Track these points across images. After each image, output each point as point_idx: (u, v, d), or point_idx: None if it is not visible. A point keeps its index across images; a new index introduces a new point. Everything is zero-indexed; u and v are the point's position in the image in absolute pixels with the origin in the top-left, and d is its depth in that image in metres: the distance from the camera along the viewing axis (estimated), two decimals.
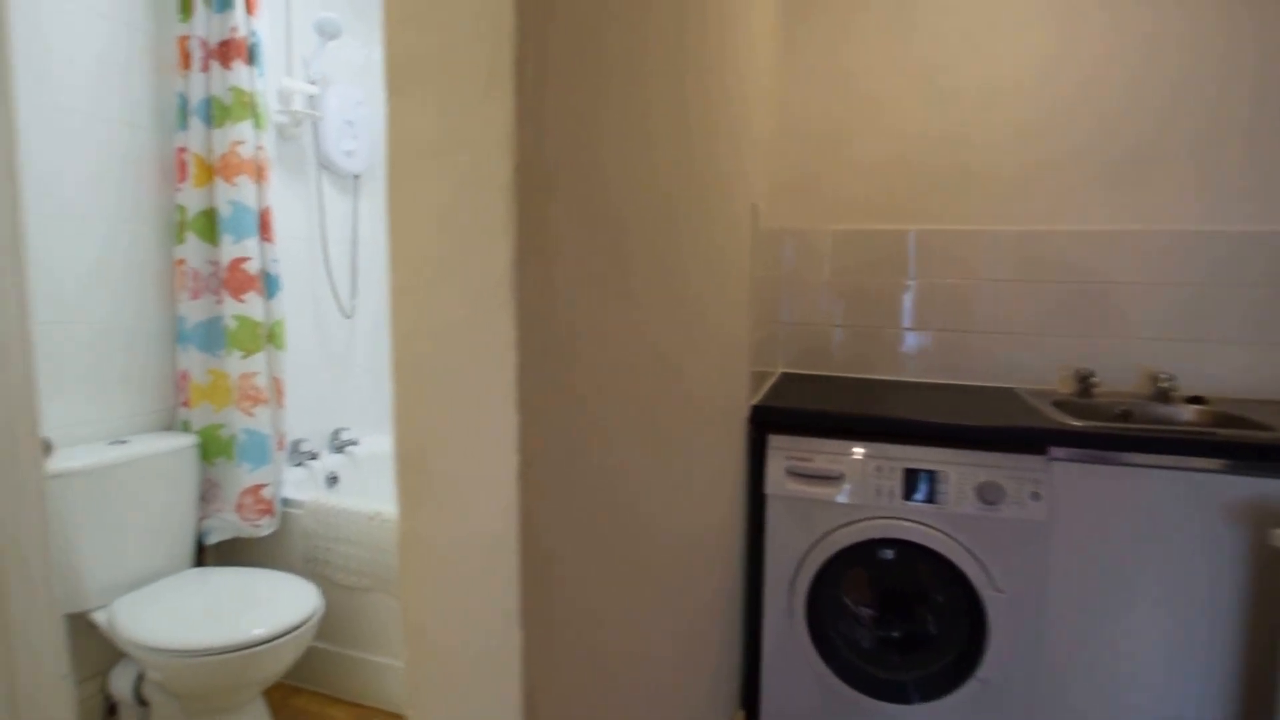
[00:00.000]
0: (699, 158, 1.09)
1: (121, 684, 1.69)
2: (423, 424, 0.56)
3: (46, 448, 1.23)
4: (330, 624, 1.95)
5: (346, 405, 2.68)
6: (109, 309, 1.81)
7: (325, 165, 2.44)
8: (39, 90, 1.64)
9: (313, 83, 2.33)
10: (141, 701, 1.67)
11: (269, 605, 1.62)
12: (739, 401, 1.57)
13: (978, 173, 2.03)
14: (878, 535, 1.57)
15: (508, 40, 0.49)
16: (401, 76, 0.54)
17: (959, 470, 1.52)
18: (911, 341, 2.12)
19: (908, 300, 2.11)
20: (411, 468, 0.56)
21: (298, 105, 2.26)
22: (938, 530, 1.53)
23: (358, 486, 2.52)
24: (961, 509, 1.51)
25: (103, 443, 1.78)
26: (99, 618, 1.63)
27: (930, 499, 1.53)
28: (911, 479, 1.54)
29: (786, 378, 2.13)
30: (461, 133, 0.52)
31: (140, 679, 1.65)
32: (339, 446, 2.56)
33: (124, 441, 1.79)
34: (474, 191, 0.51)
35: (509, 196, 0.50)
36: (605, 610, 0.74)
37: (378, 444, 2.67)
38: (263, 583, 1.76)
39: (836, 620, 1.66)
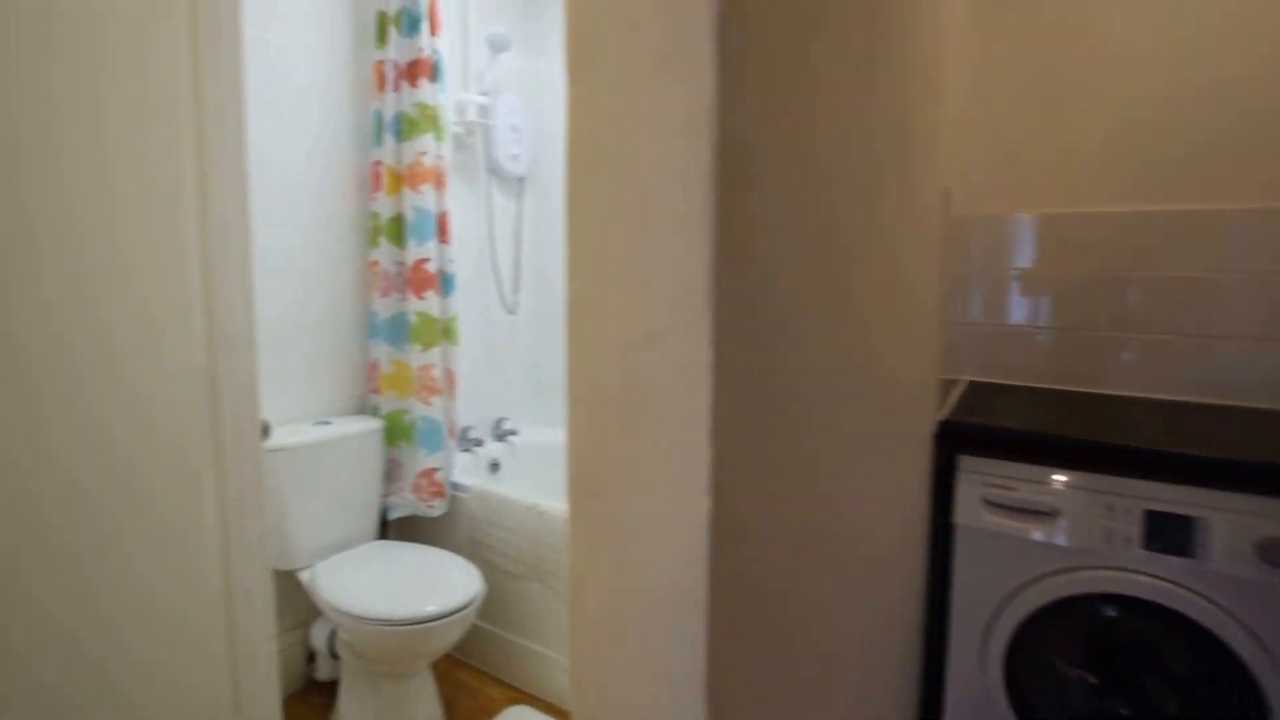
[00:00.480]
0: (897, 135, 0.93)
1: (319, 637, 1.92)
2: (599, 450, 0.49)
3: (265, 430, 1.41)
4: (490, 605, 2.09)
5: (508, 396, 2.84)
6: (321, 306, 2.05)
7: (493, 170, 2.60)
8: (268, 116, 1.88)
9: (484, 94, 2.48)
10: (334, 655, 1.88)
11: (441, 584, 1.76)
12: (925, 414, 1.38)
13: (1238, 131, 1.57)
14: (1107, 590, 1.28)
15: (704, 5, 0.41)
16: (582, 58, 0.47)
17: (1228, 519, 1.18)
18: (1137, 349, 1.72)
19: (1133, 297, 1.71)
20: (584, 500, 0.50)
21: (471, 115, 2.42)
22: (1193, 593, 1.21)
23: (516, 473, 2.67)
24: (1233, 569, 1.18)
25: (309, 423, 2.02)
26: (303, 576, 1.86)
27: (1184, 551, 1.21)
28: (1156, 524, 1.23)
29: (975, 387, 1.84)
30: (650, 116, 0.45)
31: (333, 635, 1.86)
32: (500, 435, 2.73)
33: (327, 422, 2.02)
34: (665, 183, 0.44)
35: (707, 188, 0.43)
36: (800, 684, 0.65)
37: (535, 434, 2.81)
38: (435, 561, 1.91)
39: (1044, 683, 1.39)
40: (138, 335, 1.14)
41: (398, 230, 2.08)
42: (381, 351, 2.12)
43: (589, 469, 0.50)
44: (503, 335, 2.78)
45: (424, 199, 2.01)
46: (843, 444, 0.74)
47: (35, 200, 1.01)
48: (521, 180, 2.76)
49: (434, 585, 1.76)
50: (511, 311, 2.74)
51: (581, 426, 0.51)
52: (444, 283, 2.11)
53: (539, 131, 2.77)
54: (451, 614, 1.65)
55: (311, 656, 2.04)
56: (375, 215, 2.10)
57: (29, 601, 1.04)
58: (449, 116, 2.23)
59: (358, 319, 2.18)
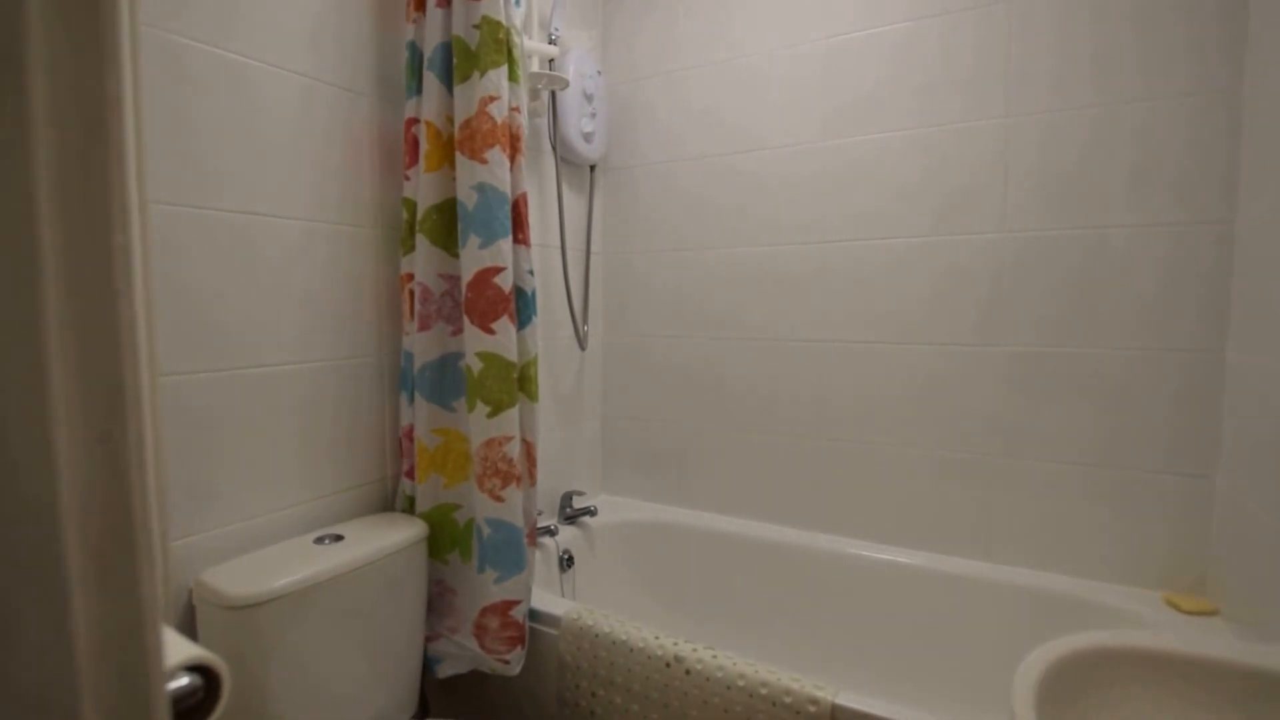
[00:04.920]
0: None
1: None
2: None
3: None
4: None
5: (576, 462, 2.08)
6: (322, 350, 1.29)
7: (562, 150, 1.87)
8: (224, 72, 1.14)
9: (552, 42, 1.76)
10: None
11: None
12: None
13: None
14: None
15: None
16: None
17: None
18: None
19: None
20: None
21: (535, 67, 1.69)
22: None
23: (600, 571, 1.90)
24: None
25: (309, 535, 1.25)
26: None
27: None
28: None
29: None
30: None
31: None
32: (571, 516, 1.96)
33: (337, 536, 1.24)
34: None
35: None
36: None
37: (614, 511, 2.04)
38: None
39: None
40: None
41: (446, 225, 1.33)
42: (420, 415, 1.36)
43: None
44: (569, 378, 2.03)
45: (492, 174, 1.27)
46: None
47: None
48: (594, 169, 2.03)
49: None
50: (584, 347, 1.99)
51: None
52: (522, 306, 1.36)
53: (619, 108, 2.06)
54: None
55: None
56: (409, 204, 1.36)
57: None
58: (524, 47, 1.50)
59: (379, 366, 1.42)
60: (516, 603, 1.33)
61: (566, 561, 1.84)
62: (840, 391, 1.77)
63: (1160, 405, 1.42)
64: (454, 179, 1.30)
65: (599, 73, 1.96)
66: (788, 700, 1.12)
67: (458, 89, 1.28)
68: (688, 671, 1.22)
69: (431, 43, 1.29)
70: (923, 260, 1.64)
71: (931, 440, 1.66)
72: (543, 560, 1.76)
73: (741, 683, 1.17)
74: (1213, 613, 1.34)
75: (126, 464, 0.31)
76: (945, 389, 1.64)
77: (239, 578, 1.07)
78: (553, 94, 1.80)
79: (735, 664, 1.19)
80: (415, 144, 1.33)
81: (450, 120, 1.30)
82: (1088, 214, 1.47)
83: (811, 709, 1.10)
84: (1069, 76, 1.47)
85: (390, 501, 1.45)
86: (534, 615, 1.44)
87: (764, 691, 1.14)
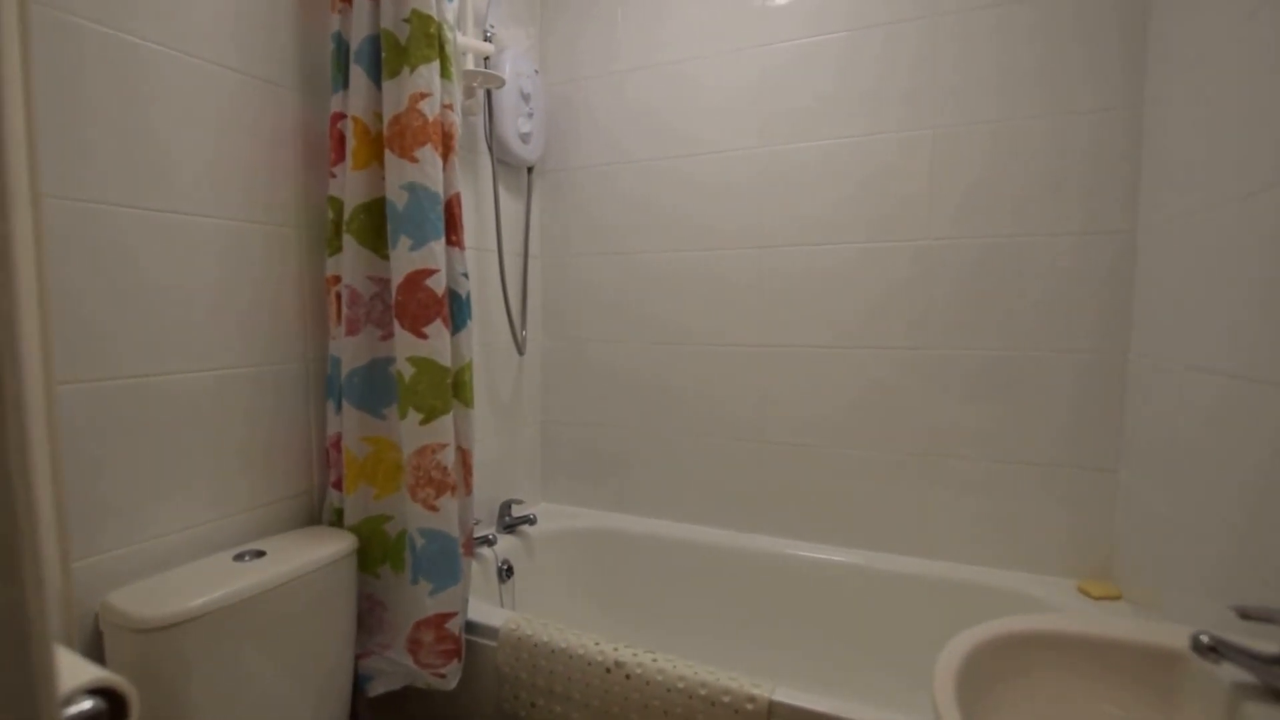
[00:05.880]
0: None
1: None
2: None
3: None
4: None
5: (515, 469, 2.04)
6: (239, 354, 1.22)
7: (498, 151, 1.84)
8: (133, 65, 1.06)
9: (487, 39, 1.73)
10: None
11: None
12: None
13: None
14: None
15: None
16: None
17: None
18: None
19: None
20: None
21: (469, 65, 1.66)
22: None
23: (536, 582, 1.87)
24: None
25: (228, 552, 1.18)
26: None
27: None
28: None
29: None
30: None
31: None
32: (510, 525, 1.92)
33: (259, 553, 1.17)
34: None
35: None
36: None
37: (554, 519, 2.02)
38: None
39: None
40: None
41: (375, 225, 1.29)
42: (349, 423, 1.30)
43: None
44: (508, 384, 1.99)
45: (423, 173, 1.23)
46: None
47: None
48: (531, 171, 2.01)
49: None
50: (523, 352, 1.96)
51: None
52: (456, 309, 1.32)
53: (559, 109, 2.04)
54: None
55: None
56: (335, 203, 1.31)
57: None
58: (458, 43, 1.46)
59: (304, 373, 1.36)
60: (452, 615, 1.29)
61: (505, 572, 1.81)
62: (780, 395, 1.80)
63: (1071, 404, 1.51)
64: (383, 177, 1.26)
65: (536, 72, 1.93)
66: (726, 700, 1.13)
67: (386, 84, 1.23)
68: (628, 676, 1.22)
69: (359, 35, 1.24)
70: (857, 267, 1.69)
71: (866, 441, 1.71)
72: (480, 571, 1.72)
73: (681, 685, 1.17)
74: (1118, 597, 1.43)
75: (6, 472, 0.28)
76: (879, 392, 1.69)
77: (150, 599, 1.00)
78: (488, 93, 1.77)
79: (675, 666, 1.19)
80: (341, 140, 1.28)
81: (379, 116, 1.26)
82: (1005, 223, 1.54)
83: (749, 706, 1.11)
84: (985, 92, 1.54)
85: (317, 515, 1.39)
86: (471, 627, 1.40)
87: (703, 692, 1.15)
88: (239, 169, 1.21)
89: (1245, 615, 0.72)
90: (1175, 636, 0.81)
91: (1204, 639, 0.73)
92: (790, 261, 1.76)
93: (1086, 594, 1.45)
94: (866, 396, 1.70)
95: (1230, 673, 0.73)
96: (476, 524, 1.59)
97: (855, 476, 1.73)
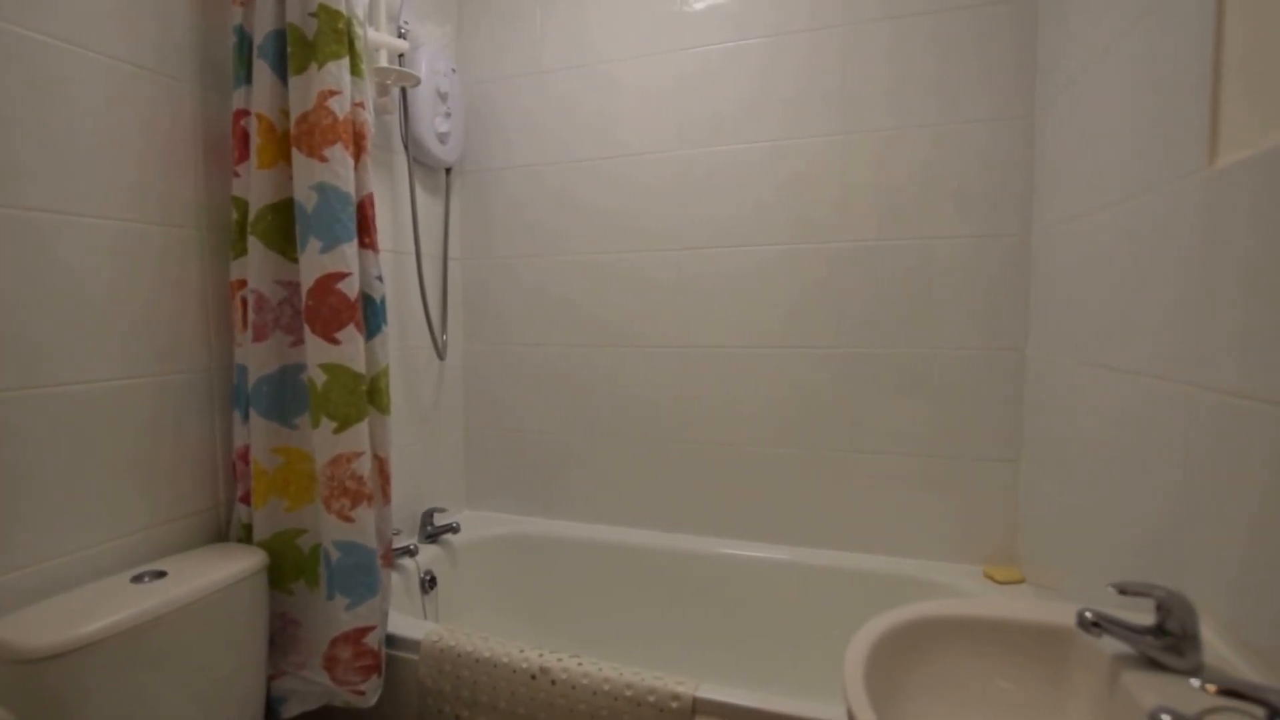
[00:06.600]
0: None
1: None
2: None
3: None
4: None
5: (437, 477, 1.99)
6: (136, 362, 1.15)
7: (415, 152, 1.79)
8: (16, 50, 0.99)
9: (402, 36, 1.69)
10: None
11: None
12: None
13: None
14: None
15: None
16: None
17: None
18: None
19: None
20: None
21: (382, 62, 1.61)
22: None
23: (460, 593, 1.83)
24: None
25: (125, 573, 1.10)
26: None
27: None
28: None
29: None
30: None
31: None
32: (432, 534, 1.88)
33: (159, 573, 1.10)
34: None
35: None
36: None
37: (479, 526, 1.98)
38: None
39: None
40: None
41: (283, 227, 1.23)
42: (257, 434, 1.24)
43: None
44: (428, 390, 1.94)
45: (333, 173, 1.19)
46: None
47: None
48: (449, 172, 1.97)
49: None
50: (443, 357, 1.91)
51: None
52: (370, 314, 1.28)
53: (479, 108, 2.00)
54: None
55: None
56: (239, 203, 1.24)
57: None
58: (369, 39, 1.41)
59: (207, 382, 1.28)
60: (370, 629, 1.25)
61: (428, 583, 1.76)
62: (704, 396, 1.83)
63: (977, 399, 1.60)
64: (291, 177, 1.21)
65: (454, 70, 1.90)
66: (651, 699, 1.14)
67: (293, 80, 1.18)
68: (554, 682, 1.21)
69: (263, 29, 1.19)
70: (777, 269, 1.73)
71: (788, 439, 1.76)
72: (402, 582, 1.67)
73: (607, 687, 1.17)
74: (1020, 581, 1.52)
75: None
76: (800, 391, 1.74)
77: (38, 626, 0.93)
78: (404, 91, 1.73)
79: (600, 669, 1.19)
80: (245, 138, 1.22)
81: (285, 114, 1.21)
82: (912, 226, 1.62)
83: (674, 705, 1.12)
84: (892, 99, 1.61)
85: (224, 531, 1.32)
86: (391, 641, 1.36)
87: (629, 694, 1.15)
88: (131, 166, 1.14)
89: (1123, 591, 0.78)
90: (1066, 615, 0.86)
91: (1088, 615, 0.79)
92: (712, 263, 1.79)
93: (991, 578, 1.54)
94: (788, 395, 1.75)
95: (1111, 645, 0.79)
96: (397, 534, 1.54)
97: (778, 474, 1.77)
